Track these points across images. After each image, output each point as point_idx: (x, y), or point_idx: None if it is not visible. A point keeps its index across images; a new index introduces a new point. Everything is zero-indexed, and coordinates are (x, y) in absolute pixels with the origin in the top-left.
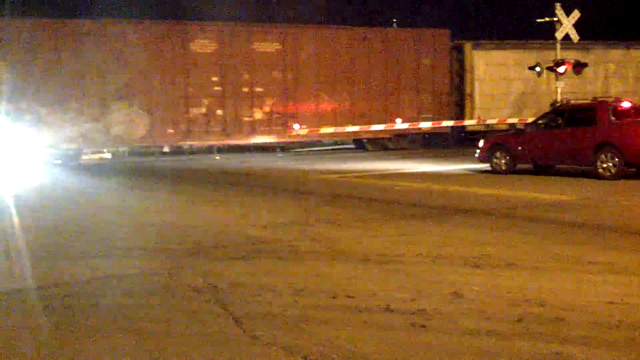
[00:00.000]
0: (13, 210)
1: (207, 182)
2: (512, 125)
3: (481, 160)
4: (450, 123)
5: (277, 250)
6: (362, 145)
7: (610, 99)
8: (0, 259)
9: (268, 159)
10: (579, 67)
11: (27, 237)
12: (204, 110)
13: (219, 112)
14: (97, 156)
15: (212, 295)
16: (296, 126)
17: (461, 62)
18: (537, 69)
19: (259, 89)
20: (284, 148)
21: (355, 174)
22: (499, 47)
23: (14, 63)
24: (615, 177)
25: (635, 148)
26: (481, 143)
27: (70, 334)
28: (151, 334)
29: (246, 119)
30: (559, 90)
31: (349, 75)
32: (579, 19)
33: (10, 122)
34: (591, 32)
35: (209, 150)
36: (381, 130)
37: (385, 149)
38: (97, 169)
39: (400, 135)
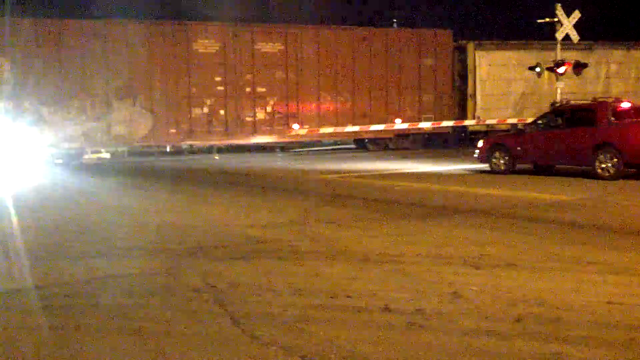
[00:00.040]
0: (13, 210)
1: (207, 182)
2: (513, 125)
3: (480, 160)
4: (450, 123)
5: (277, 250)
6: (363, 145)
7: (610, 100)
8: (0, 259)
9: (268, 159)
10: (579, 67)
11: (27, 236)
12: (206, 110)
13: (222, 112)
14: (95, 156)
15: (211, 295)
16: (295, 126)
17: (464, 63)
18: (537, 69)
19: (261, 89)
20: (283, 148)
21: (355, 174)
22: (500, 48)
23: (16, 62)
24: (615, 177)
25: (634, 148)
26: (480, 143)
27: (70, 334)
28: (151, 334)
29: (248, 119)
30: (559, 90)
31: (350, 75)
32: (580, 19)
33: (12, 121)
34: (592, 32)
35: (209, 150)
36: (381, 130)
37: (387, 149)
38: (97, 169)
39: (402, 135)
